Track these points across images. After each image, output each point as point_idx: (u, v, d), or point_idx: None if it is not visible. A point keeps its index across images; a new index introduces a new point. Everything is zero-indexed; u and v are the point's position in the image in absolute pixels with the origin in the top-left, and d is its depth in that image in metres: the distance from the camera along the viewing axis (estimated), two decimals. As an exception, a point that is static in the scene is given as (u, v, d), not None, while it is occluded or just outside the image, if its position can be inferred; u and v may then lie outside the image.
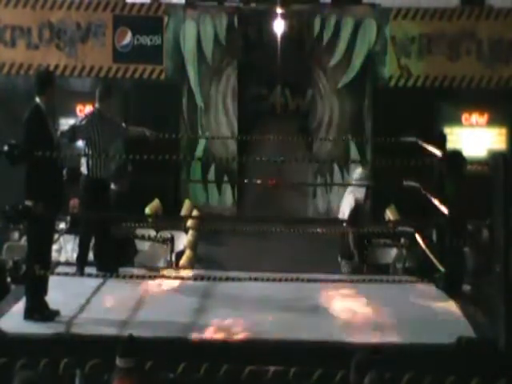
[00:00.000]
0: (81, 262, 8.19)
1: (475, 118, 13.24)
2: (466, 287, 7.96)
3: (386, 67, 13.21)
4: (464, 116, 13.23)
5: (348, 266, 9.52)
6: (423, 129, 8.83)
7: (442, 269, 7.61)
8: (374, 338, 6.26)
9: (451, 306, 7.15)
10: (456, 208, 7.88)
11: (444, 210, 7.71)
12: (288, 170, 12.17)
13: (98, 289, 7.50)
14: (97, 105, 8.26)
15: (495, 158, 6.62)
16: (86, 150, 8.14)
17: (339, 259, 9.65)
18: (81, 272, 7.97)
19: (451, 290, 7.40)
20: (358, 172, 9.74)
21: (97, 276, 7.85)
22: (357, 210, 9.30)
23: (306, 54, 13.44)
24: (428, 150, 8.19)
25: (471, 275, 8.57)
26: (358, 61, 13.33)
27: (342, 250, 9.57)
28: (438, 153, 7.97)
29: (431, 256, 7.83)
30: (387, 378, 5.42)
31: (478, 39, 13.09)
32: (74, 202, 8.93)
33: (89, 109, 8.78)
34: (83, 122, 8.20)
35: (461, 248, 8.69)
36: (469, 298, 7.59)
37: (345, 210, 9.61)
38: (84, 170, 8.18)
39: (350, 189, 9.77)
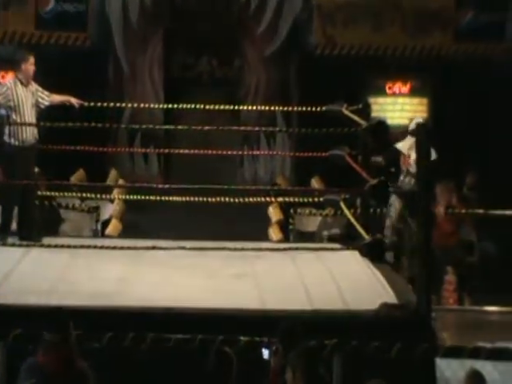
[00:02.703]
0: (4, 231, 8.09)
1: (398, 87, 13.41)
2: (390, 254, 8.10)
3: (313, 36, 13.25)
4: (388, 85, 13.40)
5: None
6: (348, 98, 8.90)
7: (366, 236, 7.72)
8: (300, 306, 6.33)
9: (375, 273, 7.27)
10: (380, 176, 7.99)
11: (368, 178, 7.81)
12: (215, 139, 12.15)
13: (21, 258, 7.41)
14: (17, 72, 8.16)
15: (416, 126, 6.74)
16: (8, 118, 8.03)
17: None
18: (4, 242, 7.89)
19: (375, 257, 7.53)
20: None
21: (20, 245, 7.77)
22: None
23: (233, 22, 13.40)
24: (353, 119, 8.28)
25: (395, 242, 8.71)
26: (284, 29, 13.35)
27: None
28: (362, 122, 8.06)
29: (356, 224, 7.93)
30: (311, 345, 5.50)
31: (402, 9, 13.22)
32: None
33: (11, 76, 8.64)
34: (4, 89, 8.09)
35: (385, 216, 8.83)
36: (392, 265, 7.73)
37: None
38: (6, 138, 8.07)
39: None
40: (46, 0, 12.97)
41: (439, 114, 13.02)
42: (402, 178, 8.65)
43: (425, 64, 13.10)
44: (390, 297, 6.55)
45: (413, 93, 13.45)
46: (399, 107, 13.39)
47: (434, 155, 8.60)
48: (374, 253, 7.46)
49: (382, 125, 8.15)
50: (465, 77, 12.80)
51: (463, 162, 11.36)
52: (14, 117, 8.04)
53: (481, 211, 9.22)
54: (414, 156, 8.45)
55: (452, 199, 9.61)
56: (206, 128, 10.26)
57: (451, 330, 7.10)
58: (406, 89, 13.44)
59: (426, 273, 6.23)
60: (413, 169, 8.40)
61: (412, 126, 8.72)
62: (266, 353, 5.32)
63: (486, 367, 5.57)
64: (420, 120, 8.90)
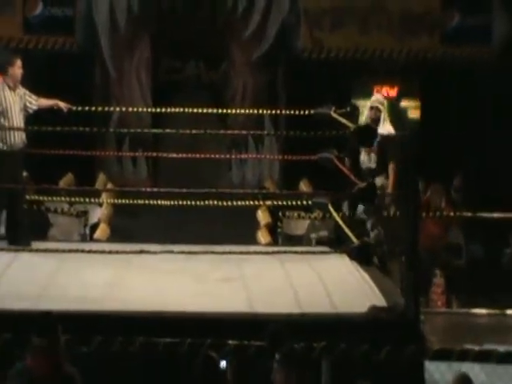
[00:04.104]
0: (-8, 237, 8.09)
1: (386, 90, 13.43)
2: (378, 258, 8.11)
3: (300, 39, 13.27)
4: (375, 88, 13.42)
5: None
6: (336, 101, 8.93)
7: (354, 240, 7.74)
8: (288, 309, 6.34)
9: (363, 276, 7.29)
10: (368, 179, 8.03)
11: (356, 181, 7.84)
12: (203, 142, 12.15)
13: (10, 263, 7.40)
14: (4, 76, 8.16)
15: (403, 131, 6.77)
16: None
17: None
18: (-8, 246, 7.88)
19: (363, 260, 7.55)
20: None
21: (9, 250, 7.76)
22: None
23: (220, 26, 13.41)
24: (341, 123, 8.31)
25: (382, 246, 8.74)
26: (272, 33, 13.35)
27: None
28: (350, 125, 8.10)
29: (344, 227, 7.95)
30: (300, 348, 5.51)
31: (388, 12, 13.26)
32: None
33: (-1, 80, 8.63)
34: (-10, 94, 8.10)
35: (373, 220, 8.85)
36: (380, 269, 7.75)
37: None
38: (-6, 142, 8.07)
39: None
40: (34, 4, 12.95)
41: (426, 116, 13.06)
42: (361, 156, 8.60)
43: (412, 67, 13.14)
44: (379, 300, 6.57)
45: (401, 96, 13.48)
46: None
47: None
48: (362, 256, 7.49)
49: (369, 128, 8.19)
50: (452, 80, 12.85)
51: (450, 165, 11.40)
52: (1, 121, 8.03)
53: (469, 214, 9.26)
54: None
55: (441, 202, 9.65)
56: (194, 132, 10.26)
57: (439, 332, 7.12)
58: (393, 92, 13.47)
59: (413, 275, 6.25)
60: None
61: (370, 101, 8.74)
62: (223, 363, 5.28)
63: (474, 369, 5.60)
64: (377, 97, 8.83)
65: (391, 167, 8.08)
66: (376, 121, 8.53)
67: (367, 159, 8.35)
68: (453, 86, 12.82)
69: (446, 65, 13.07)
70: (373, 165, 8.27)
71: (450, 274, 9.51)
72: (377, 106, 8.52)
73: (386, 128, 8.52)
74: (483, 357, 5.13)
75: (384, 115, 8.54)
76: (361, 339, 5.96)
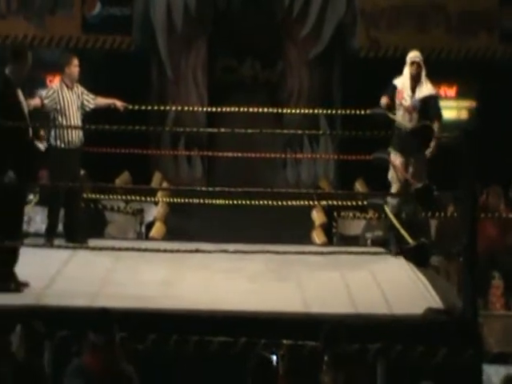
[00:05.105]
0: (50, 234, 8.18)
1: (444, 90, 13.28)
2: (435, 259, 8.03)
3: (356, 39, 13.19)
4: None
5: None
6: (392, 100, 8.83)
7: (410, 240, 7.66)
8: (343, 310, 6.30)
9: (420, 277, 7.22)
10: (424, 180, 7.93)
11: (413, 181, 7.76)
12: (258, 142, 12.15)
13: (67, 260, 7.48)
14: (62, 75, 8.26)
15: (460, 130, 6.68)
16: (55, 120, 8.13)
17: None
18: (50, 243, 7.97)
19: (420, 261, 7.46)
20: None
21: (66, 247, 7.84)
22: None
23: (276, 26, 13.40)
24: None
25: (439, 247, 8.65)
26: (328, 32, 13.29)
27: None
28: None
29: (400, 228, 7.87)
30: (356, 349, 5.47)
31: (446, 11, 13.11)
32: (42, 174, 8.90)
33: (58, 80, 8.73)
34: (50, 93, 8.19)
35: (428, 220, 8.77)
36: (437, 270, 7.68)
37: None
38: (52, 140, 8.15)
39: None
40: (93, 4, 13.07)
41: (486, 117, 12.87)
42: (398, 112, 8.43)
43: (471, 66, 12.97)
44: (436, 301, 6.50)
45: (459, 96, 13.32)
46: (445, 110, 13.23)
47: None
48: (418, 257, 7.40)
49: (426, 128, 8.09)
50: (511, 79, 12.65)
51: (509, 166, 11.23)
52: (59, 119, 8.12)
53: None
54: (408, 91, 8.31)
55: (500, 204, 9.52)
56: (249, 131, 10.28)
57: (498, 335, 7.03)
58: (452, 92, 13.31)
59: (471, 277, 6.16)
60: (406, 102, 8.27)
61: (410, 57, 8.51)
62: (273, 358, 5.26)
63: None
64: (417, 53, 8.57)
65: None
66: (416, 78, 8.32)
67: (408, 118, 8.16)
68: (512, 85, 12.62)
69: (506, 64, 12.88)
70: (410, 125, 8.04)
71: (509, 275, 9.37)
72: (418, 62, 8.28)
73: (428, 88, 8.34)
74: (543, 361, 5.03)
75: (424, 72, 8.31)
76: (417, 341, 5.89)
